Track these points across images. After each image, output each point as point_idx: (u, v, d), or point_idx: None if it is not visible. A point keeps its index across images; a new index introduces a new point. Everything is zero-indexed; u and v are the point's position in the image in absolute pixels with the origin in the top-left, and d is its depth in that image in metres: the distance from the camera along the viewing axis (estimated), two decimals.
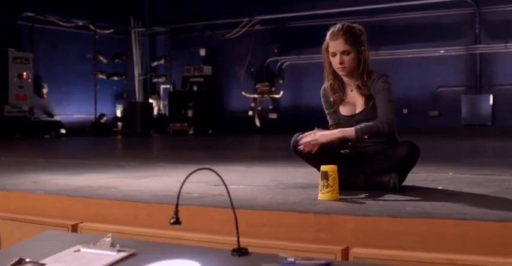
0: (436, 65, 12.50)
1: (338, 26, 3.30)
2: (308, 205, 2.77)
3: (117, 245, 2.15)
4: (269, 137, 11.89)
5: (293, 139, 3.37)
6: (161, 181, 3.90)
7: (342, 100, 3.37)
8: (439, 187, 3.39)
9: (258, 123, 14.59)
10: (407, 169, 3.28)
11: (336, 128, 3.41)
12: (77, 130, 13.48)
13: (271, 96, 14.36)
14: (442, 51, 12.45)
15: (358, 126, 3.21)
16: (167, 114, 15.12)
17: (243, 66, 14.56)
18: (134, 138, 12.63)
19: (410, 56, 12.73)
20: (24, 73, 12.73)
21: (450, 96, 12.33)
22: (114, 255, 2.11)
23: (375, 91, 3.28)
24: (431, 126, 12.20)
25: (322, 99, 3.47)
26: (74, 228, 2.99)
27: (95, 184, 3.72)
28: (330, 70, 3.35)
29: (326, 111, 3.48)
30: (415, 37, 12.61)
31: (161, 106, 15.54)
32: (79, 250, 2.20)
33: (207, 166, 5.29)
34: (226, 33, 14.60)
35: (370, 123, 3.22)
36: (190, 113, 14.40)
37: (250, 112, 14.68)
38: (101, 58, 14.68)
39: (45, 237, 2.45)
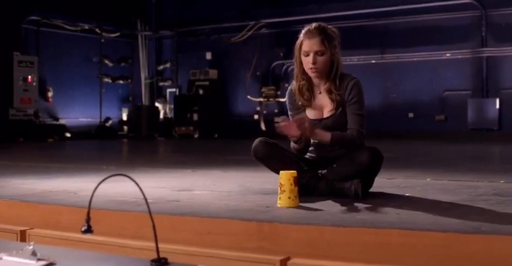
0: (442, 68, 12.30)
1: (314, 24, 3.18)
2: (257, 213, 2.67)
3: (38, 254, 2.07)
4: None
5: (255, 143, 3.29)
6: (126, 186, 3.80)
7: (310, 104, 3.25)
8: (407, 194, 3.27)
9: (263, 127, 14.49)
10: (370, 176, 3.16)
11: None
12: (82, 133, 13.46)
13: (277, 99, 14.25)
14: (448, 55, 12.26)
15: (334, 134, 3.09)
16: (173, 117, 15.07)
17: (249, 69, 14.49)
18: (138, 142, 12.59)
19: (416, 59, 12.55)
20: (29, 76, 12.73)
21: (456, 100, 12.13)
22: (33, 264, 2.03)
23: (348, 98, 3.15)
24: (438, 130, 12.01)
25: (287, 100, 3.36)
26: (23, 234, 2.92)
27: (58, 188, 3.66)
28: (301, 70, 3.22)
29: (290, 113, 3.36)
30: (421, 40, 12.43)
31: (167, 109, 15.49)
32: (1, 258, 2.12)
33: (189, 170, 5.24)
34: (232, 36, 14.54)
35: (345, 134, 3.10)
36: (195, 117, 14.33)
37: (256, 116, 14.59)
38: (107, 61, 14.67)
39: None
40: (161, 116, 15.28)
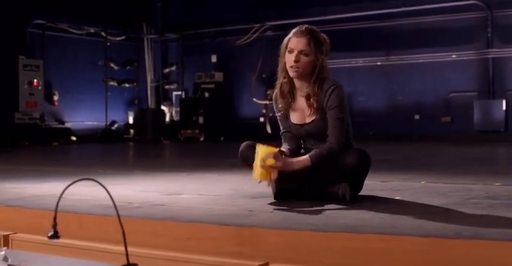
0: (448, 69, 12.20)
1: (306, 26, 3.14)
2: (239, 217, 2.63)
3: (9, 260, 2.05)
4: (279, 143, 11.71)
5: (241, 147, 3.27)
6: (116, 189, 3.78)
7: (289, 107, 3.22)
8: (396, 198, 3.22)
9: (269, 130, 14.44)
10: (358, 179, 3.11)
11: (287, 135, 3.29)
12: (88, 137, 13.48)
13: None
14: (454, 56, 12.16)
15: (312, 154, 3.04)
16: (179, 120, 15.05)
17: (254, 72, 14.44)
18: (143, 145, 12.58)
19: (421, 61, 12.46)
20: (35, 80, 12.77)
21: (462, 102, 12.01)
22: None
23: (326, 105, 3.09)
24: (443, 132, 11.90)
25: (274, 104, 3.34)
26: (6, 239, 2.90)
27: (47, 192, 3.64)
28: (283, 69, 3.18)
29: (278, 117, 3.34)
30: (427, 42, 12.33)
31: (173, 113, 15.48)
32: None
33: (185, 174, 5.20)
34: (237, 39, 14.51)
35: (322, 149, 3.04)
36: (201, 120, 14.31)
37: (262, 119, 14.54)
38: (112, 65, 14.69)
39: None
40: (167, 119, 15.28)
